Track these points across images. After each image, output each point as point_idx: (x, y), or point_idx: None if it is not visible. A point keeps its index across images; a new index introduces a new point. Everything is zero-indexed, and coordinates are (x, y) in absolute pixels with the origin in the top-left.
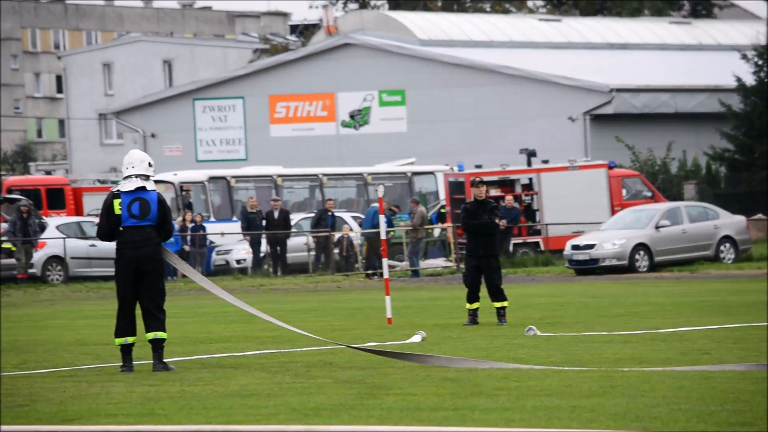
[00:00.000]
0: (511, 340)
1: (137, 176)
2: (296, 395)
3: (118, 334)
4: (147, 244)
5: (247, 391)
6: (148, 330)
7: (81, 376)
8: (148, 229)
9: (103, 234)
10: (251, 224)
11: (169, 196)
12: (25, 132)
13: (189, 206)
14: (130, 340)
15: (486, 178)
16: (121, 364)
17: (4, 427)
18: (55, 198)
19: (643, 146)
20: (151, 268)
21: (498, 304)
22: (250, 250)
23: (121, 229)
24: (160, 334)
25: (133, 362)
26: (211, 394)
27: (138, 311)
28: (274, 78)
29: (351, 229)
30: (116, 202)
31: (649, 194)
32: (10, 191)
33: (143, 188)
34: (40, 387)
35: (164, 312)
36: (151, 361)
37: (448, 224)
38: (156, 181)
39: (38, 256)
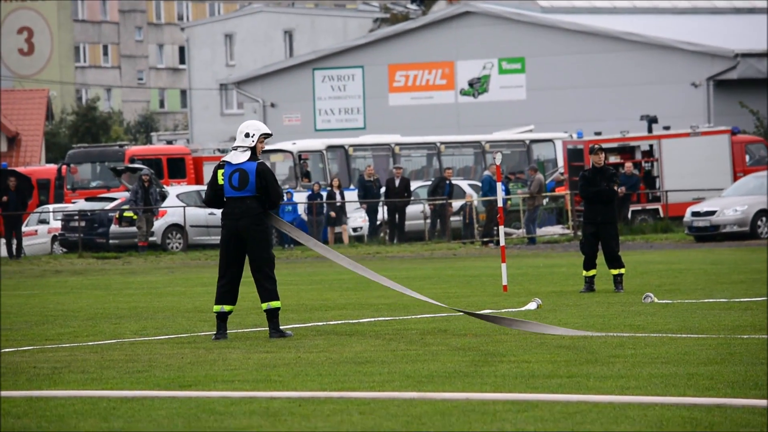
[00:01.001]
0: (627, 307)
1: (235, 148)
2: (410, 362)
3: (216, 301)
4: (246, 215)
5: (362, 358)
6: (262, 300)
7: (199, 342)
8: (248, 200)
9: (207, 200)
10: (368, 192)
11: (287, 164)
12: (148, 102)
13: (307, 175)
14: (226, 308)
15: (605, 145)
16: (215, 331)
17: (127, 392)
18: (176, 167)
19: None
20: (251, 238)
21: (615, 272)
22: (367, 218)
23: (225, 200)
24: (273, 304)
25: (227, 330)
26: (326, 360)
27: (245, 280)
28: (394, 47)
29: (472, 197)
30: (220, 173)
31: None
32: (132, 160)
33: (244, 161)
34: (159, 353)
35: (274, 280)
36: (264, 328)
37: (566, 191)
38: (274, 150)
39: (159, 224)
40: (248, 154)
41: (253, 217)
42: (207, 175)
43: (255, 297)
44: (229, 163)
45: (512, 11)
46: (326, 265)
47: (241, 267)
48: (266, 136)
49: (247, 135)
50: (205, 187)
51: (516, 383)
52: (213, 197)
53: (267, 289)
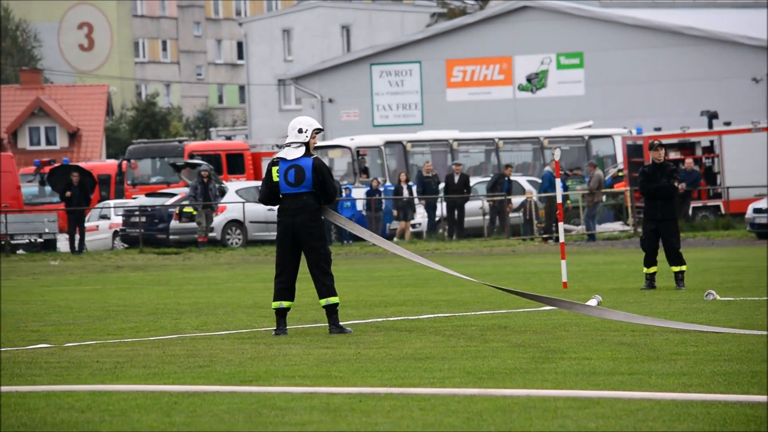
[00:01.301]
0: (689, 304)
1: (288, 144)
2: (470, 359)
3: (275, 298)
4: (303, 212)
5: (422, 354)
6: (320, 296)
7: (259, 338)
8: (304, 196)
9: (263, 198)
10: (426, 188)
11: (345, 160)
12: (207, 98)
13: (365, 170)
14: (285, 304)
15: (665, 141)
16: (275, 327)
17: (189, 387)
18: (235, 163)
19: None
20: (308, 234)
21: (676, 269)
22: (426, 214)
23: (281, 196)
24: (332, 299)
25: (287, 326)
26: (386, 356)
27: (303, 276)
28: (451, 42)
29: (532, 193)
30: (274, 170)
31: None
32: (191, 156)
33: (299, 156)
34: (220, 348)
35: (331, 276)
36: (324, 324)
37: (626, 187)
38: (333, 146)
39: (218, 220)
40: (302, 149)
41: (309, 213)
42: (265, 171)
43: (314, 293)
44: (283, 159)
45: (571, 5)
46: (385, 261)
47: (298, 263)
48: (318, 131)
49: (300, 131)
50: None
51: (577, 380)
52: (268, 194)
53: (325, 285)
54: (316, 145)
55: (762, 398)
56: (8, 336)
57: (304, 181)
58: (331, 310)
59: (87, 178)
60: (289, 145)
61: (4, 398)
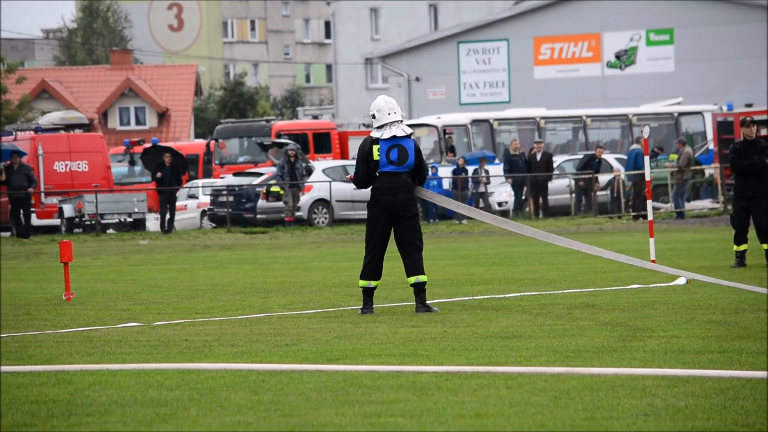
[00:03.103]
0: None
1: (392, 123)
2: (557, 337)
3: (363, 276)
4: (403, 190)
5: (508, 332)
6: (409, 274)
7: (345, 316)
8: (404, 175)
9: (361, 180)
10: (514, 166)
11: (432, 139)
12: (294, 77)
13: (451, 149)
14: (373, 283)
15: (757, 118)
16: (362, 306)
17: (276, 365)
18: (322, 142)
19: None
20: (407, 212)
21: (767, 246)
22: (512, 192)
23: (377, 174)
24: (421, 278)
25: (374, 305)
26: (472, 335)
27: (389, 255)
28: (539, 19)
29: (620, 171)
30: (375, 148)
31: None
32: (278, 135)
33: (402, 136)
34: (307, 327)
35: (422, 254)
36: (411, 303)
37: (716, 165)
38: (419, 125)
39: (305, 199)
40: (402, 129)
41: (409, 191)
42: (352, 150)
43: (401, 272)
44: (382, 138)
45: None
46: (471, 240)
47: (387, 242)
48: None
49: (394, 111)
50: (350, 162)
51: (666, 359)
52: (367, 176)
53: (415, 263)
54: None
55: None
56: (99, 314)
57: (407, 161)
58: (420, 289)
59: (179, 160)
60: (388, 125)
61: (96, 376)
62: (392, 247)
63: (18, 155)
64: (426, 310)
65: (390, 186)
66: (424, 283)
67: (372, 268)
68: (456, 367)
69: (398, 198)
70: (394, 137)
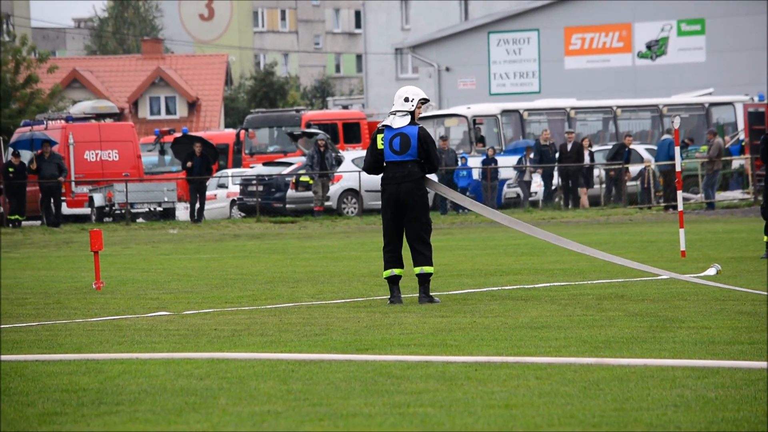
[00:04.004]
0: None
1: (394, 113)
2: (587, 328)
3: (385, 267)
4: (407, 180)
5: (538, 323)
6: (415, 264)
7: (374, 306)
8: (409, 164)
9: (368, 167)
10: (544, 157)
11: (461, 129)
12: (324, 67)
13: (481, 139)
14: (396, 272)
15: None
16: (389, 295)
17: (305, 355)
18: (352, 132)
19: None
20: (412, 203)
21: None
22: (541, 182)
23: (385, 164)
24: (426, 269)
25: (402, 294)
26: (501, 325)
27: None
28: (570, 9)
29: (651, 162)
30: (379, 137)
31: None
32: (308, 125)
33: (404, 125)
34: (336, 317)
35: (429, 246)
36: (440, 293)
37: (746, 155)
38: (449, 115)
39: (334, 189)
40: (408, 118)
41: (414, 181)
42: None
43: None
44: (388, 127)
45: None
46: (500, 230)
47: (402, 231)
48: (424, 101)
49: (406, 99)
50: None
51: (695, 349)
52: (373, 163)
53: (422, 254)
54: (424, 114)
55: None
56: (128, 303)
57: (409, 149)
58: (424, 279)
59: (209, 149)
60: (395, 114)
61: (125, 365)
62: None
63: (49, 144)
64: (429, 301)
65: (394, 176)
66: (429, 274)
67: (391, 257)
68: (485, 357)
69: (402, 188)
70: (400, 128)
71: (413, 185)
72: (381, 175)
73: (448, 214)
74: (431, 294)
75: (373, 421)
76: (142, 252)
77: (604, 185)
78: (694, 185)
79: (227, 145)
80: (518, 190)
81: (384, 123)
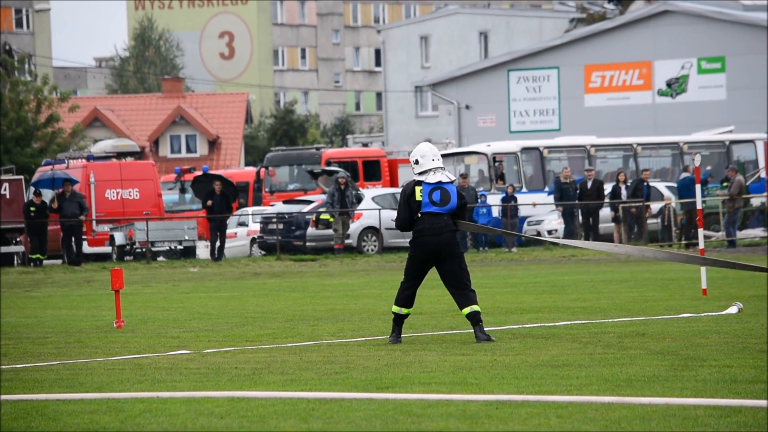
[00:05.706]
0: None
1: (436, 169)
2: (608, 366)
3: (397, 303)
4: (445, 231)
5: (559, 361)
6: (463, 306)
7: (395, 345)
8: (445, 216)
9: (403, 222)
10: (564, 194)
11: (481, 166)
12: (344, 105)
13: (501, 177)
14: (404, 311)
15: None
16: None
17: (326, 393)
18: (372, 170)
19: None
20: (450, 253)
21: None
22: (562, 220)
23: (419, 216)
24: (475, 308)
25: (423, 333)
26: (522, 363)
27: (436, 283)
28: (590, 47)
29: (671, 199)
30: (417, 189)
31: None
32: (328, 163)
33: (445, 182)
34: (356, 355)
35: (473, 290)
36: (460, 331)
37: (767, 193)
38: (469, 152)
39: (354, 226)
40: (445, 174)
41: (451, 232)
42: (402, 178)
43: (449, 300)
44: (425, 182)
45: (712, 9)
46: (521, 268)
47: (425, 276)
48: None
49: (438, 158)
50: (400, 190)
51: (717, 388)
52: (410, 216)
53: (468, 296)
54: (445, 152)
55: None
56: (149, 342)
57: (449, 203)
58: (477, 318)
59: (229, 188)
60: (431, 171)
61: (146, 404)
62: (432, 276)
63: (70, 183)
64: (486, 339)
65: (432, 227)
66: (479, 312)
67: (407, 296)
68: (506, 395)
69: (442, 239)
70: (439, 182)
71: (451, 236)
72: (411, 229)
73: (468, 252)
74: (486, 331)
75: None
76: (162, 290)
77: (622, 224)
78: (715, 223)
79: (247, 183)
80: (538, 227)
81: (417, 179)
